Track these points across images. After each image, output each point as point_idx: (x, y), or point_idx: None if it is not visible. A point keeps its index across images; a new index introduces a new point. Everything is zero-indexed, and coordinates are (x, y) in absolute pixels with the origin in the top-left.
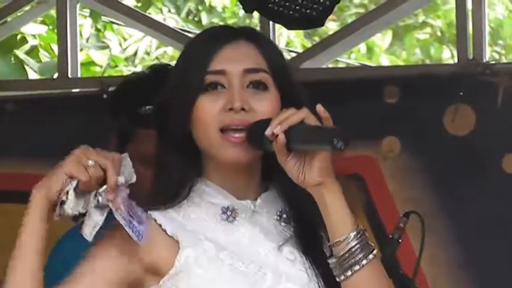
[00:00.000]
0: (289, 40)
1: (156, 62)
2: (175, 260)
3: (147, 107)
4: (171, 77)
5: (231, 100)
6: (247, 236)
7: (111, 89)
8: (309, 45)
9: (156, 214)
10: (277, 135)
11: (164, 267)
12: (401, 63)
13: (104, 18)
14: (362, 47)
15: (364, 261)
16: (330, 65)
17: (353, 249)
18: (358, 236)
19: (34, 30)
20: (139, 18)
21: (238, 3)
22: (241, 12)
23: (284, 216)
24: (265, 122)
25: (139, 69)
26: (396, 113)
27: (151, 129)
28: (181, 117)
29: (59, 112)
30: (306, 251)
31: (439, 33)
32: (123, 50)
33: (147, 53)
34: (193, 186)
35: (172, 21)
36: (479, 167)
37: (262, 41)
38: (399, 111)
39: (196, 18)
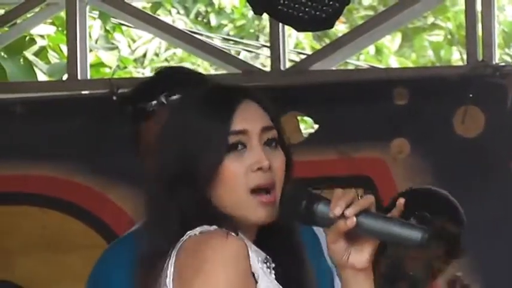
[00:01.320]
0: (298, 42)
1: (165, 63)
2: None
3: (154, 103)
4: (187, 136)
5: (259, 160)
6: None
7: (120, 90)
8: (318, 47)
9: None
10: (343, 216)
11: None
12: (410, 65)
13: (113, 19)
14: (371, 48)
15: None
16: (340, 67)
17: None
18: None
19: (43, 31)
20: (148, 20)
21: (248, 4)
22: (251, 13)
23: (268, 264)
24: (303, 194)
25: (148, 70)
26: (406, 114)
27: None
28: (206, 178)
29: (68, 114)
30: None
31: (448, 35)
32: (132, 51)
33: (156, 55)
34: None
35: (181, 22)
36: (488, 168)
37: (263, 100)
38: (409, 113)
39: (205, 20)
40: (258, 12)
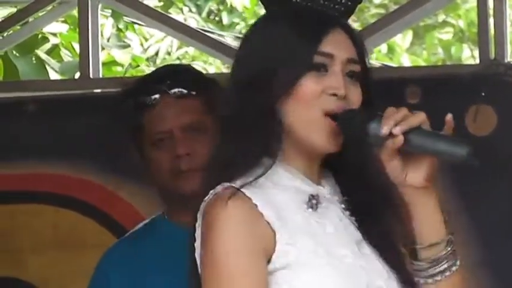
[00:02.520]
0: None
1: (177, 62)
2: (272, 254)
3: (152, 97)
4: (269, 48)
5: (336, 86)
6: (332, 226)
7: None
8: None
9: (249, 192)
10: (393, 134)
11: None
12: (422, 62)
13: (125, 18)
14: (383, 47)
15: (448, 273)
16: None
17: (441, 257)
18: (449, 244)
19: (55, 29)
20: (160, 19)
21: (260, 2)
22: (263, 11)
23: (346, 204)
24: (357, 113)
25: None
26: None
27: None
28: (282, 90)
29: (80, 113)
30: (377, 246)
31: (459, 33)
32: (145, 50)
33: (168, 53)
34: (266, 163)
35: (193, 21)
36: (500, 167)
37: (354, 32)
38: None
39: (217, 18)
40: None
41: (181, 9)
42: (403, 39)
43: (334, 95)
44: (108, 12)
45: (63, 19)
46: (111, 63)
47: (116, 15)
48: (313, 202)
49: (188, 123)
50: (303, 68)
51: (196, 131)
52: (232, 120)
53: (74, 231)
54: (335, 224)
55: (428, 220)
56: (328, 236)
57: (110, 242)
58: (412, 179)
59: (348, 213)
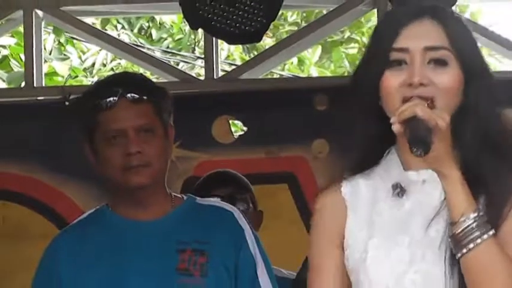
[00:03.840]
0: (229, 53)
1: (111, 72)
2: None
3: (110, 99)
4: (364, 56)
5: (410, 76)
6: (407, 212)
7: (72, 97)
8: (247, 58)
9: (346, 184)
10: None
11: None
12: (329, 74)
13: (65, 33)
14: (294, 60)
15: (479, 240)
16: (266, 76)
17: (468, 229)
18: (475, 218)
19: (5, 42)
20: (97, 34)
21: (185, 20)
22: (187, 28)
23: (398, 189)
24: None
25: (96, 78)
26: (325, 118)
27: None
28: (371, 88)
29: (25, 118)
30: None
31: (363, 48)
32: (82, 62)
33: (104, 65)
34: (389, 154)
35: (126, 36)
36: None
37: (448, 19)
38: (328, 117)
39: (147, 34)
40: (194, 28)
41: (115, 26)
42: (312, 53)
43: (410, 84)
44: (50, 28)
45: (10, 34)
46: (53, 73)
47: (57, 31)
48: (398, 191)
49: (141, 125)
50: (381, 67)
51: (146, 132)
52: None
53: (21, 223)
54: (411, 209)
55: (451, 199)
56: (394, 221)
57: (54, 234)
58: (427, 162)
59: None
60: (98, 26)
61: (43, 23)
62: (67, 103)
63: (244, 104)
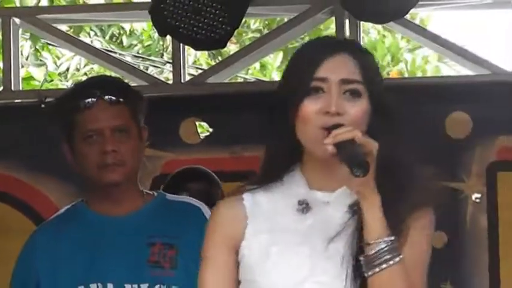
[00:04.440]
0: (196, 59)
1: (84, 77)
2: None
3: (89, 100)
4: (283, 80)
5: (328, 105)
6: (308, 227)
7: (48, 99)
8: (213, 63)
9: (247, 192)
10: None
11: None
12: None
13: (41, 40)
14: (257, 64)
15: (385, 265)
16: (231, 80)
17: (381, 252)
18: (386, 242)
19: None
20: (71, 41)
21: (154, 28)
22: (156, 35)
23: (354, 208)
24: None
25: (70, 82)
26: None
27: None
28: (289, 113)
29: (3, 120)
30: (358, 245)
31: None
32: (57, 67)
33: (77, 69)
34: (290, 172)
35: (98, 43)
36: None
37: (361, 55)
38: None
39: (118, 41)
40: (162, 35)
41: (88, 33)
42: (274, 59)
43: (327, 112)
44: (27, 35)
45: None
46: (29, 78)
47: (34, 38)
48: (303, 206)
49: (117, 125)
50: (303, 93)
51: (121, 133)
52: (268, 138)
53: (1, 220)
54: (312, 225)
55: (368, 221)
56: (296, 235)
57: (30, 228)
58: (352, 183)
59: (350, 215)
60: (72, 33)
61: (20, 30)
62: (43, 106)
63: (210, 107)
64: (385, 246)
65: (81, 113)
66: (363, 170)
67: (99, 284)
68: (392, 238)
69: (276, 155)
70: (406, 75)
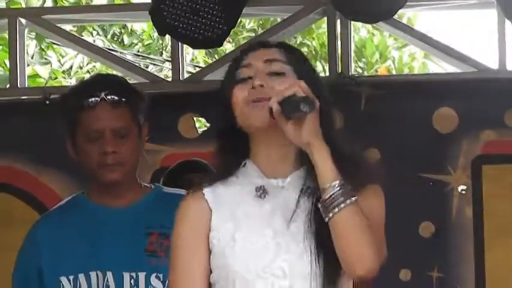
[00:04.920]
0: (194, 57)
1: (87, 74)
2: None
3: (92, 100)
4: (224, 78)
5: (253, 81)
6: (268, 211)
7: (52, 96)
8: (210, 61)
9: (207, 187)
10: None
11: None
12: None
13: (46, 39)
14: None
15: (342, 205)
16: None
17: (335, 195)
18: (339, 185)
19: None
20: (74, 40)
21: (154, 28)
22: (156, 34)
23: (309, 191)
24: (292, 97)
25: (74, 80)
26: None
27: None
28: (228, 107)
29: (9, 115)
30: (315, 222)
31: (313, 52)
32: (61, 65)
33: (80, 67)
34: (243, 166)
35: (100, 42)
36: None
37: (287, 47)
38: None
39: (119, 40)
40: (161, 34)
41: (91, 33)
42: None
43: (253, 88)
44: (33, 35)
45: None
46: (35, 76)
47: (39, 37)
48: (260, 192)
49: (118, 127)
50: (231, 85)
51: (122, 134)
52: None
53: (3, 209)
54: (272, 209)
55: (320, 169)
56: (258, 218)
57: (34, 218)
58: (301, 137)
59: (305, 197)
60: (75, 33)
61: (26, 30)
62: (47, 102)
63: (207, 103)
64: (339, 189)
65: (84, 112)
66: (310, 105)
67: (98, 272)
68: (343, 183)
69: (226, 151)
70: (394, 71)
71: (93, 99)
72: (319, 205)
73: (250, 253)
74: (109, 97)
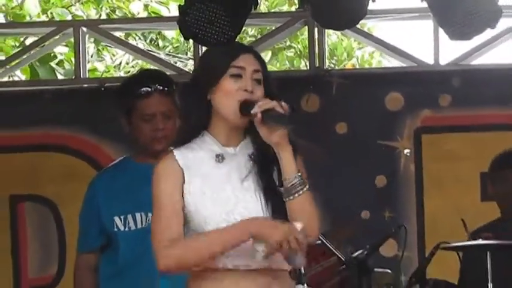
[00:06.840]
0: None
1: (132, 69)
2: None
3: (146, 89)
4: (198, 69)
5: (246, 85)
6: (226, 172)
7: (107, 84)
8: None
9: (176, 151)
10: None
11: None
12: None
13: (102, 43)
14: None
15: (301, 192)
16: None
17: (295, 184)
18: (298, 177)
19: (61, 50)
20: (122, 43)
21: (181, 34)
22: (182, 39)
23: (253, 157)
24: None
25: (122, 73)
26: None
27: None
28: (207, 88)
29: (74, 98)
30: (262, 180)
31: (299, 52)
32: (113, 62)
33: (127, 63)
34: (201, 136)
35: (142, 44)
36: (320, 132)
37: (258, 56)
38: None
39: (155, 43)
40: (186, 38)
41: (134, 38)
42: (264, 56)
43: (245, 90)
44: (92, 40)
45: (65, 44)
46: (93, 70)
47: (96, 42)
48: (219, 158)
49: (164, 110)
50: (223, 70)
51: (168, 115)
52: (185, 107)
53: (73, 168)
54: (228, 171)
55: (284, 163)
56: (218, 178)
57: (93, 175)
58: (272, 138)
59: (252, 162)
60: (123, 38)
61: (87, 36)
62: (103, 89)
63: None
64: (297, 180)
65: (140, 99)
66: (292, 108)
67: (142, 213)
68: (300, 174)
69: (193, 121)
70: (357, 66)
71: (147, 88)
72: (281, 189)
73: (217, 201)
74: (159, 87)
